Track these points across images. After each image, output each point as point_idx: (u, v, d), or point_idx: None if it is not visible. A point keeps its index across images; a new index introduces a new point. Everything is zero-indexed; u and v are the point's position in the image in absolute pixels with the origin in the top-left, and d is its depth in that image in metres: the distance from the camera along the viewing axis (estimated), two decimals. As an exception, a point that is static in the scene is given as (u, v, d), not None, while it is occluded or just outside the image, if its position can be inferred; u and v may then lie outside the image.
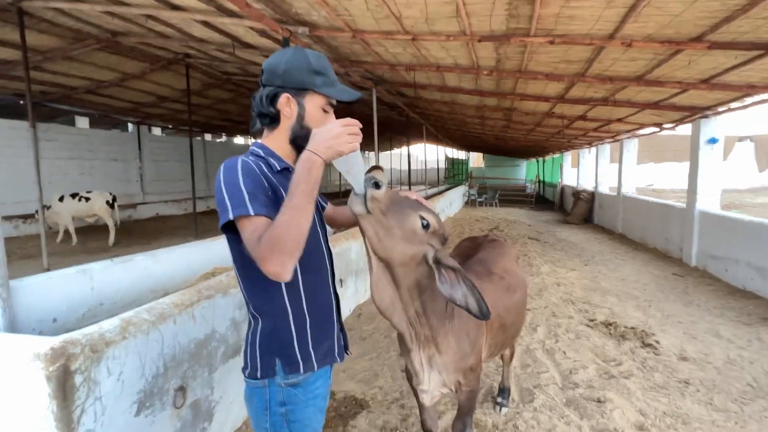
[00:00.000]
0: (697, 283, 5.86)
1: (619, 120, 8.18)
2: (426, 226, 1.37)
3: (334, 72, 1.28)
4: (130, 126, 14.59)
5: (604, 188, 12.12)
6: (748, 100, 5.60)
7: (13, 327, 2.01)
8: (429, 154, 32.33)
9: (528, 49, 4.72)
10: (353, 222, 1.46)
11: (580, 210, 12.67)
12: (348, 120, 1.07)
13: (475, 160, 33.97)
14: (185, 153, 14.45)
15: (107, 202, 8.69)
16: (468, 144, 23.21)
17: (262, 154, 1.21)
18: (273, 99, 1.18)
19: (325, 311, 1.27)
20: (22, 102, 9.97)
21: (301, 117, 1.20)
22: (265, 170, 1.15)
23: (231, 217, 1.01)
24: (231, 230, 1.07)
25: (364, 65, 6.48)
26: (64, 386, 1.39)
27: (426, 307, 1.53)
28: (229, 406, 2.31)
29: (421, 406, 1.96)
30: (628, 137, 9.92)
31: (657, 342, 3.82)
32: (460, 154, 30.92)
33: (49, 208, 8.26)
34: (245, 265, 1.14)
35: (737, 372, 3.31)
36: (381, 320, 4.19)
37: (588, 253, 7.93)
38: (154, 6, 5.09)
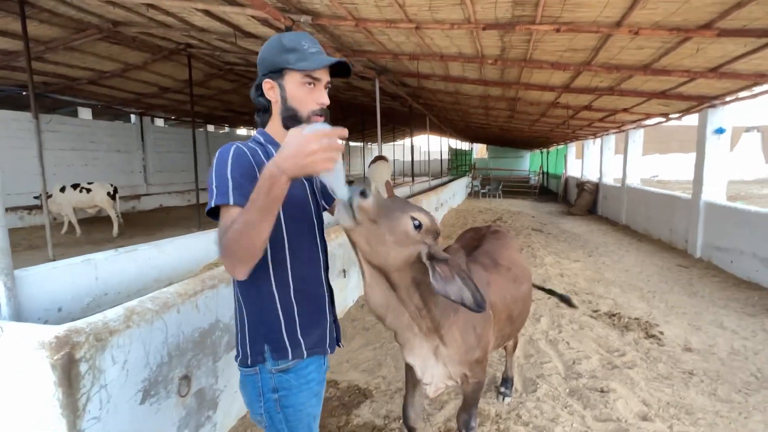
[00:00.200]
0: (701, 274, 5.83)
1: (625, 110, 8.09)
2: (418, 227, 1.34)
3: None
4: (133, 117, 14.57)
5: (609, 179, 12.04)
6: (757, 89, 5.52)
7: (18, 316, 2.02)
8: (432, 146, 32.21)
9: (533, 37, 4.65)
10: None
11: (584, 201, 12.61)
12: (327, 131, 0.91)
13: (479, 151, 33.82)
14: (188, 144, 14.43)
15: (108, 194, 8.71)
16: (471, 135, 23.08)
17: (263, 140, 1.23)
18: (259, 89, 1.21)
19: (316, 301, 1.26)
20: (24, 93, 9.95)
21: (284, 99, 1.20)
22: (261, 157, 1.15)
23: (212, 205, 1.05)
24: (217, 216, 1.10)
25: (366, 55, 6.41)
26: (69, 374, 1.40)
27: (426, 300, 1.52)
28: (234, 394, 2.33)
29: (407, 400, 1.94)
30: (634, 128, 9.82)
31: (661, 333, 3.81)
32: (463, 145, 30.77)
33: (50, 197, 8.29)
34: None
35: (741, 363, 3.31)
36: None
37: (592, 245, 7.90)
38: (154, -6, 5.05)
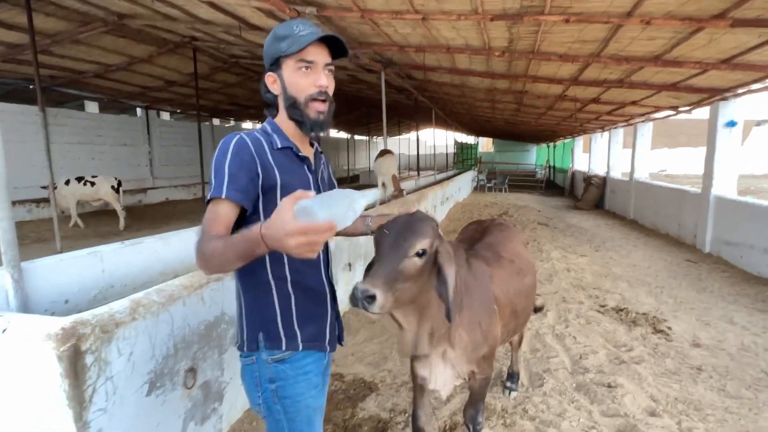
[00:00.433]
0: (710, 269, 5.76)
1: (634, 103, 7.98)
2: (423, 253, 1.33)
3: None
4: (139, 111, 14.60)
5: (616, 173, 11.92)
6: (770, 82, 5.42)
7: (26, 308, 2.03)
8: (438, 139, 32.05)
9: (542, 28, 4.58)
10: (359, 233, 1.49)
11: (591, 195, 12.50)
12: (311, 228, 0.81)
13: (485, 145, 33.61)
14: (194, 138, 14.47)
15: (112, 187, 8.75)
16: (477, 128, 22.93)
17: (269, 130, 1.23)
18: (265, 84, 1.23)
19: (315, 296, 1.25)
20: (31, 86, 9.99)
21: (284, 89, 1.19)
22: (265, 148, 1.16)
23: (209, 197, 1.08)
24: None
25: (372, 47, 6.36)
26: (75, 366, 1.40)
27: (435, 309, 1.52)
28: (239, 387, 2.32)
29: (417, 402, 1.92)
30: (643, 121, 9.69)
31: (669, 328, 3.77)
32: (469, 139, 30.60)
33: (55, 188, 8.35)
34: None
35: (751, 359, 3.27)
36: (389, 304, 4.18)
37: (599, 239, 7.84)
38: (159, -14, 5.02)
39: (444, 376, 1.71)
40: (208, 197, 1.08)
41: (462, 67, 7.29)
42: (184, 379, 1.90)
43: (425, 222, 1.37)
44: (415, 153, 14.61)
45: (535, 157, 27.19)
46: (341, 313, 1.40)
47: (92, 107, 14.02)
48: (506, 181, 17.51)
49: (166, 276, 2.94)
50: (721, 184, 6.55)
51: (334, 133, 26.44)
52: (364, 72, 8.92)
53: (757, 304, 4.42)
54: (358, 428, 2.37)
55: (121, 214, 8.75)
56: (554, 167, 21.51)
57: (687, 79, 5.92)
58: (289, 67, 1.17)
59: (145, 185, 13.83)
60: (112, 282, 2.60)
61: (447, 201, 10.94)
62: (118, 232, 8.38)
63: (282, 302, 1.18)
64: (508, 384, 2.74)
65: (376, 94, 10.66)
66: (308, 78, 1.17)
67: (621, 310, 4.19)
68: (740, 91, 6.00)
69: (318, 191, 1.28)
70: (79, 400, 1.41)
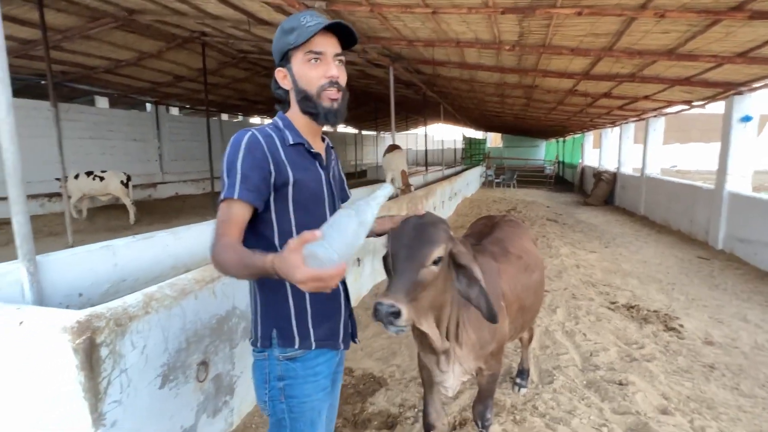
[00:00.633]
0: (723, 266, 5.68)
1: (646, 97, 7.86)
2: (439, 260, 1.31)
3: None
4: (148, 106, 14.70)
5: (627, 169, 11.77)
6: (788, 75, 5.30)
7: (41, 301, 2.05)
8: (446, 134, 31.88)
9: (553, 21, 4.52)
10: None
11: (600, 191, 12.37)
12: (321, 275, 0.82)
13: (493, 140, 33.38)
14: (202, 133, 14.52)
15: (122, 182, 8.82)
16: (486, 123, 22.76)
17: (281, 125, 1.20)
18: (276, 80, 1.21)
19: (330, 294, 1.22)
20: (43, 82, 10.10)
21: (295, 83, 1.17)
22: (277, 144, 1.14)
23: (222, 198, 1.07)
24: None
25: (381, 41, 6.32)
26: (90, 358, 1.41)
27: (456, 303, 1.54)
28: (250, 381, 2.34)
29: (427, 399, 1.92)
30: (655, 116, 9.55)
31: (681, 326, 3.73)
32: (477, 134, 30.41)
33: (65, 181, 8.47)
34: (247, 234, 1.13)
35: (765, 357, 3.22)
36: (398, 300, 4.18)
37: (609, 235, 7.77)
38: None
39: (451, 374, 1.70)
40: (221, 197, 1.07)
41: (471, 62, 7.22)
42: (197, 373, 1.92)
43: (437, 226, 1.35)
44: (423, 148, 14.55)
45: (544, 152, 26.95)
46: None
47: (102, 102, 14.14)
48: (515, 176, 17.39)
49: (177, 270, 2.96)
50: (735, 180, 6.45)
51: (341, 128, 26.42)
52: (373, 67, 8.89)
53: (771, 302, 4.35)
54: (368, 423, 2.38)
55: (131, 209, 8.83)
56: (563, 163, 21.31)
57: (701, 73, 5.81)
58: (298, 60, 1.15)
59: (154, 180, 13.96)
60: (124, 276, 2.62)
61: (455, 196, 10.90)
62: (128, 226, 8.47)
63: (296, 300, 1.17)
64: (518, 381, 2.73)
65: (384, 89, 10.62)
66: (318, 69, 1.14)
67: (632, 307, 4.15)
68: (756, 85, 5.88)
69: (330, 189, 1.27)
70: (95, 392, 1.42)
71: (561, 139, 21.80)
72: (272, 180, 1.11)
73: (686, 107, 8.02)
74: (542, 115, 13.26)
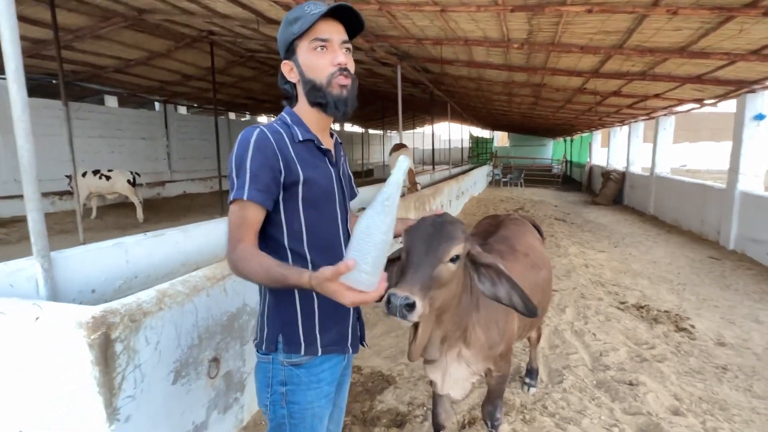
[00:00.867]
0: (735, 266, 5.61)
1: (657, 96, 7.78)
2: (456, 258, 1.27)
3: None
4: (157, 105, 14.81)
5: (636, 168, 11.67)
6: (802, 73, 5.22)
7: (55, 297, 2.08)
8: (453, 133, 31.79)
9: (563, 19, 4.48)
10: None
11: (609, 191, 12.27)
12: (365, 299, 0.88)
13: (500, 139, 33.23)
14: (210, 132, 14.60)
15: (128, 181, 8.87)
16: (493, 122, 22.66)
17: (289, 121, 1.16)
18: (284, 76, 1.18)
19: None
20: (54, 81, 10.21)
21: (302, 74, 1.13)
22: (286, 141, 1.10)
23: (231, 199, 1.05)
24: None
25: (389, 40, 6.32)
26: (105, 353, 1.43)
27: (461, 308, 1.49)
28: (260, 377, 2.36)
29: (436, 399, 1.89)
30: (665, 114, 9.45)
31: (692, 326, 3.69)
32: (484, 133, 30.29)
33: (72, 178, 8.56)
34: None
35: (779, 359, 3.18)
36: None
37: (617, 235, 7.71)
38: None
39: (458, 378, 1.67)
40: (231, 197, 1.05)
41: (479, 60, 7.19)
42: (208, 369, 1.93)
43: (456, 225, 1.31)
44: (430, 147, 14.52)
45: (551, 151, 26.79)
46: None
47: (111, 101, 14.27)
48: (522, 175, 17.30)
49: (188, 267, 2.98)
50: (748, 179, 6.36)
51: (348, 127, 26.45)
52: (380, 66, 8.88)
53: (784, 303, 4.30)
54: (377, 420, 2.38)
55: (139, 207, 8.90)
56: (571, 162, 21.17)
57: (713, 71, 5.74)
58: (303, 50, 1.11)
59: (163, 178, 14.06)
60: (136, 272, 2.65)
61: (462, 195, 10.87)
62: (137, 224, 8.54)
63: (304, 306, 1.14)
64: (527, 380, 2.71)
65: (392, 88, 10.62)
66: (325, 57, 1.10)
67: (642, 307, 4.11)
68: (769, 83, 5.80)
69: (340, 186, 1.23)
70: (109, 387, 1.44)
71: (569, 138, 21.65)
72: (282, 179, 1.07)
73: (697, 106, 7.93)
74: (550, 114, 13.18)
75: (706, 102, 7.53)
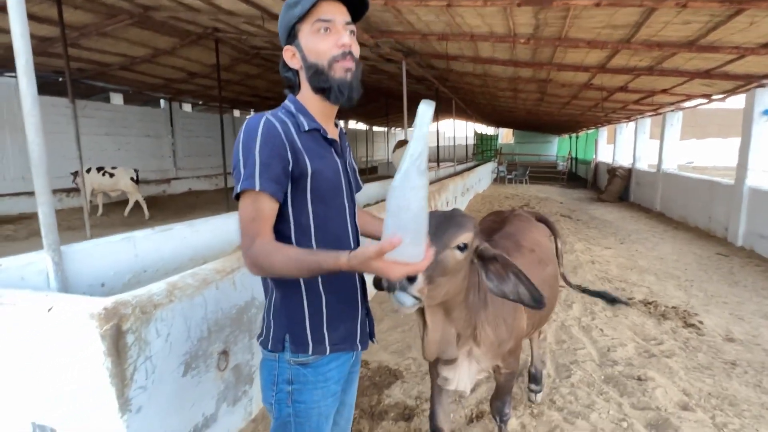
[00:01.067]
0: (743, 263, 5.57)
1: (664, 91, 7.71)
2: (464, 247, 1.23)
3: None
4: (162, 102, 14.86)
5: (643, 165, 11.59)
6: (813, 67, 5.15)
7: (65, 290, 2.10)
8: (457, 130, 31.69)
9: (570, 13, 4.45)
10: (376, 236, 1.38)
11: (615, 187, 12.20)
12: (415, 269, 0.86)
13: (504, 136, 33.11)
14: (215, 129, 14.67)
15: (132, 179, 8.91)
16: (498, 119, 22.57)
17: (293, 109, 1.11)
18: (284, 62, 1.13)
19: (347, 292, 1.16)
20: (60, 79, 10.26)
21: (305, 58, 1.08)
22: (292, 131, 1.05)
23: (238, 190, 1.00)
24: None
25: (394, 35, 6.29)
26: (117, 344, 1.44)
27: (469, 306, 1.46)
28: (268, 371, 2.37)
29: (435, 400, 1.83)
30: (672, 110, 9.37)
31: (700, 322, 3.67)
32: (489, 130, 30.18)
33: (76, 174, 8.64)
34: None
35: (789, 355, 3.15)
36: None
37: (624, 232, 7.66)
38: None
39: (469, 375, 1.65)
40: (239, 188, 0.98)
41: (485, 56, 7.16)
42: (218, 361, 1.94)
43: (467, 218, 1.29)
44: (435, 144, 14.49)
45: (556, 148, 26.65)
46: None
47: (117, 99, 14.34)
48: (527, 172, 17.22)
49: (196, 261, 3.00)
50: (756, 175, 6.30)
51: (352, 124, 26.43)
52: (384, 62, 8.85)
53: (794, 299, 4.26)
54: (385, 414, 2.39)
55: (143, 204, 8.93)
56: (576, 159, 21.06)
57: (722, 66, 5.68)
58: (305, 33, 1.06)
59: (168, 176, 14.13)
60: (145, 267, 2.66)
61: (467, 192, 10.84)
62: (143, 221, 8.59)
63: (312, 303, 1.10)
64: (532, 386, 2.53)
65: (396, 85, 10.58)
66: (329, 39, 1.05)
67: (649, 303, 4.09)
68: (779, 77, 5.74)
69: (347, 178, 1.19)
70: (121, 378, 1.45)
71: (574, 135, 21.53)
72: (290, 170, 1.03)
73: (705, 101, 7.86)
74: (555, 110, 13.11)
75: (714, 97, 7.46)
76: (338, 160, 1.16)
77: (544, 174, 19.04)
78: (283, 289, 1.10)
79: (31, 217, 8.37)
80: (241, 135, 1.02)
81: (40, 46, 7.89)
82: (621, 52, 5.61)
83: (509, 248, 1.95)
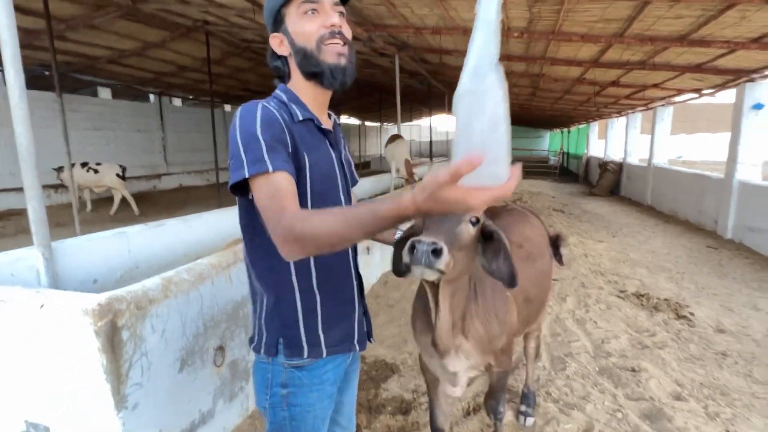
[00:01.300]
0: (732, 255, 5.65)
1: (655, 86, 7.77)
2: (476, 223, 1.18)
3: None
4: (152, 96, 14.65)
5: (634, 159, 11.69)
6: (802, 62, 5.22)
7: (56, 286, 2.06)
8: (450, 126, 31.70)
9: (564, 6, 4.44)
10: (384, 241, 1.35)
11: (606, 182, 12.30)
12: (498, 192, 0.68)
13: (497, 131, 33.13)
14: (206, 124, 14.50)
15: (117, 175, 8.74)
16: (490, 114, 22.58)
17: (285, 99, 1.05)
18: (272, 51, 1.08)
19: (342, 291, 1.12)
20: (47, 73, 10.05)
21: (293, 43, 1.03)
22: (287, 120, 1.00)
23: (247, 175, 0.88)
24: (241, 189, 0.95)
25: (388, 29, 6.25)
26: (112, 341, 1.41)
27: (464, 293, 1.41)
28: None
29: (433, 402, 1.79)
30: (663, 105, 9.45)
31: (691, 314, 3.72)
32: (481, 125, 30.19)
33: (62, 171, 8.51)
34: (253, 227, 1.02)
35: (777, 345, 3.21)
36: (408, 288, 4.19)
37: (615, 225, 7.73)
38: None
39: (456, 372, 1.58)
40: (247, 174, 0.88)
41: (478, 50, 7.13)
42: (214, 357, 1.93)
43: None
44: (427, 139, 14.47)
45: (548, 143, 26.80)
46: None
47: (105, 93, 14.10)
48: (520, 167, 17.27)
49: (189, 257, 2.96)
50: (746, 168, 6.39)
51: (345, 119, 26.30)
52: (378, 56, 8.80)
53: (782, 290, 4.33)
54: (382, 408, 2.39)
55: (131, 200, 8.78)
56: (568, 153, 21.19)
57: (713, 60, 5.73)
58: (293, 17, 1.02)
59: (159, 171, 13.95)
60: (138, 263, 2.63)
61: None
62: (134, 217, 8.48)
63: (305, 305, 1.05)
64: (523, 408, 2.34)
65: (389, 79, 10.54)
66: (316, 20, 1.00)
67: (641, 295, 4.14)
68: (768, 72, 5.80)
69: (342, 171, 1.15)
70: (117, 375, 1.43)
71: (566, 130, 21.65)
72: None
73: (696, 95, 7.94)
74: (548, 105, 13.16)
75: (704, 92, 7.53)
76: (332, 152, 1.10)
77: (537, 169, 19.13)
78: (276, 291, 1.04)
79: (20, 213, 8.23)
80: (237, 121, 0.95)
81: (25, 39, 7.71)
82: (614, 47, 5.64)
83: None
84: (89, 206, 9.03)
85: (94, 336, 1.38)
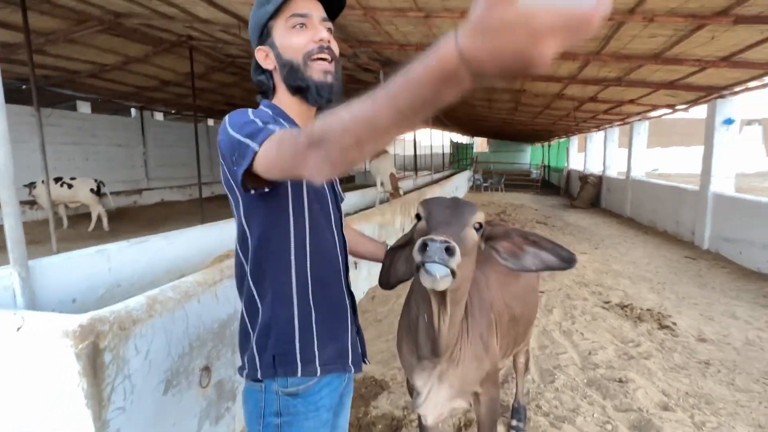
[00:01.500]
0: (710, 265, 5.81)
1: (631, 101, 8.04)
2: (479, 228, 1.16)
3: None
4: (133, 111, 14.46)
5: (612, 172, 12.00)
6: (768, 79, 5.48)
7: (33, 307, 1.98)
8: (434, 140, 32.09)
9: (544, 25, 4.58)
10: (373, 258, 1.35)
11: (587, 194, 12.57)
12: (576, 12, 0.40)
13: (479, 145, 33.73)
14: (189, 139, 14.38)
15: (92, 190, 8.55)
16: (474, 128, 22.99)
17: (271, 113, 1.02)
18: (258, 68, 1.06)
19: (336, 307, 1.09)
20: (24, 87, 9.85)
21: (279, 56, 1.01)
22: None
23: (257, 147, 0.79)
24: (246, 188, 0.90)
25: (373, 45, 6.34)
26: (94, 364, 1.36)
27: (463, 310, 1.34)
28: (252, 386, 2.29)
29: (422, 427, 1.62)
30: (639, 119, 9.77)
31: (674, 323, 3.79)
32: (464, 140, 30.68)
33: (34, 187, 8.32)
34: (252, 234, 0.99)
35: (757, 353, 3.29)
36: (395, 302, 4.17)
37: (597, 237, 7.88)
38: (158, -16, 4.96)
39: (438, 399, 1.44)
40: (257, 147, 0.80)
41: (461, 66, 7.28)
42: (200, 378, 1.87)
43: (474, 204, 1.24)
44: (412, 153, 14.60)
45: (530, 156, 27.35)
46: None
47: (84, 107, 13.86)
48: (503, 180, 17.56)
49: (172, 274, 2.89)
50: (719, 181, 6.62)
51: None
52: (362, 71, 8.90)
53: (759, 299, 4.46)
54: (372, 426, 2.35)
55: (103, 216, 8.57)
56: (549, 167, 21.64)
57: (685, 77, 5.97)
58: (280, 30, 1.00)
59: (140, 186, 13.70)
60: (119, 281, 2.55)
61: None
62: (114, 233, 8.26)
63: (302, 318, 1.01)
64: (514, 423, 2.32)
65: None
66: (304, 35, 0.99)
67: (625, 306, 4.20)
68: (738, 89, 6.07)
69: (331, 186, 1.13)
70: (98, 399, 1.37)
71: (546, 144, 22.14)
72: None
73: (670, 111, 8.23)
74: (529, 120, 13.46)
75: (678, 107, 7.82)
76: None
77: (519, 182, 19.46)
78: (273, 304, 1.00)
79: (-8, 231, 7.94)
80: (227, 120, 0.90)
81: (2, 53, 7.57)
82: (591, 64, 5.83)
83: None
84: (66, 223, 8.78)
85: (75, 359, 1.33)
